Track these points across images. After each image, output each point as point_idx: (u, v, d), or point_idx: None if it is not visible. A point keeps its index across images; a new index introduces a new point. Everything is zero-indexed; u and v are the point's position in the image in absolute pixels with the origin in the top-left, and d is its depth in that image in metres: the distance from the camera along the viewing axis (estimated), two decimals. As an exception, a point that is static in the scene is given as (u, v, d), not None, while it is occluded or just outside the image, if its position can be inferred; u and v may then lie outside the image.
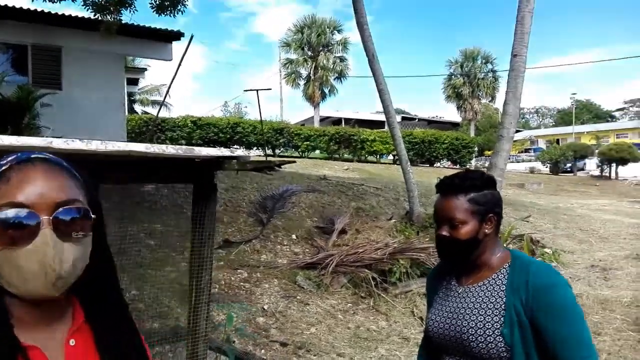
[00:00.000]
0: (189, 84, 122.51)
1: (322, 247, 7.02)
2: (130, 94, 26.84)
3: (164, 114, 29.07)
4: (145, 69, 26.71)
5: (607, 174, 29.21)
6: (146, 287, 5.26)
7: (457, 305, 1.57)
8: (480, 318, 1.48)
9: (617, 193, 22.27)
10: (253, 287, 5.85)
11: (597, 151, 31.83)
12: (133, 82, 25.92)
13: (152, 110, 30.37)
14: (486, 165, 14.79)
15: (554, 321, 1.39)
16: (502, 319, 1.44)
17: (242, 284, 5.88)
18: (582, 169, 33.41)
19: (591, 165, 32.60)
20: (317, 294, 5.88)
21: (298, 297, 5.73)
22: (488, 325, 1.46)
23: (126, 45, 10.19)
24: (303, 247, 7.33)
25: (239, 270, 6.15)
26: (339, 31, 33.95)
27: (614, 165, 28.80)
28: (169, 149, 1.71)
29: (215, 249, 6.88)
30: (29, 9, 9.17)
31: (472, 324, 1.49)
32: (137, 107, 31.38)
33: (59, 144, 1.38)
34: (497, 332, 1.43)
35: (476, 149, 29.55)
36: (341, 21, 36.04)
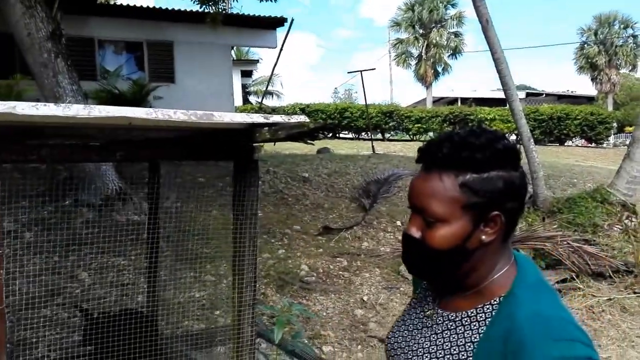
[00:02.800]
0: (302, 74, 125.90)
1: (429, 235, 6.46)
2: (245, 86, 28.06)
3: (275, 103, 30.01)
4: (257, 61, 27.69)
5: None
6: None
7: (419, 331, 1.04)
8: None
9: None
10: (352, 276, 5.52)
11: None
12: (247, 74, 27.04)
13: (266, 101, 31.43)
14: (627, 142, 12.86)
15: None
16: None
17: (341, 272, 5.58)
18: None
19: None
20: (423, 286, 5.38)
21: (401, 289, 5.28)
22: None
23: (232, 35, 10.43)
24: (409, 234, 6.83)
25: (338, 258, 5.86)
26: (453, 5, 32.11)
27: None
28: (178, 115, 1.38)
29: (315, 236, 6.69)
30: (142, 7, 9.76)
31: None
32: (252, 99, 32.71)
33: (23, 109, 1.12)
34: None
35: (615, 124, 26.16)
36: (455, -5, 33.85)
